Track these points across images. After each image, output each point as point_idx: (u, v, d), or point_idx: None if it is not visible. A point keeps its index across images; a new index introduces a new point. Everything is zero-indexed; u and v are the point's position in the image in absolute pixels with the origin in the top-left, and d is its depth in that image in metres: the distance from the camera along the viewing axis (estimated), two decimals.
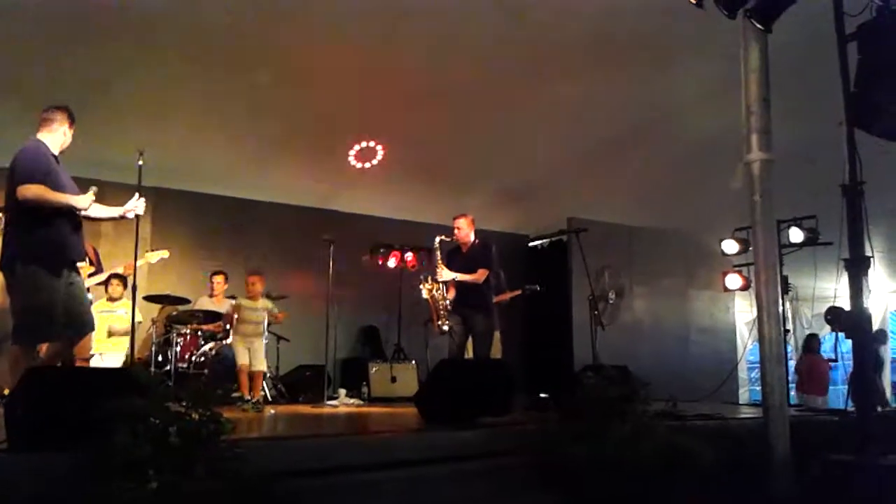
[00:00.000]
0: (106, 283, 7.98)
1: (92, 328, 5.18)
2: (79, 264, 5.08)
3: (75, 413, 3.16)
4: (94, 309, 7.81)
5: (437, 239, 7.63)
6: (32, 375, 3.54)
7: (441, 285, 7.49)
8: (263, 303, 8.14)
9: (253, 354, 7.86)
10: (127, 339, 7.94)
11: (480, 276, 7.49)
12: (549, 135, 9.13)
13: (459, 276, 7.43)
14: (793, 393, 10.52)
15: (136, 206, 5.29)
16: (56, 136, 5.06)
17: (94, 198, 5.00)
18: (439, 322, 7.47)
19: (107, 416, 2.97)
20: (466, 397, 5.12)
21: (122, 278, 8.08)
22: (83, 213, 4.99)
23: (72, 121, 5.14)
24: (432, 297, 7.51)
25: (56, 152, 5.04)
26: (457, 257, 7.65)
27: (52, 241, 4.80)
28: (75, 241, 4.97)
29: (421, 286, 7.67)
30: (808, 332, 12.60)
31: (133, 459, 2.89)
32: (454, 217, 7.75)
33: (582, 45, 7.42)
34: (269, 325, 8.24)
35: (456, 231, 7.66)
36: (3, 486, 2.99)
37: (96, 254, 7.88)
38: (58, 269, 4.79)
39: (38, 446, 3.20)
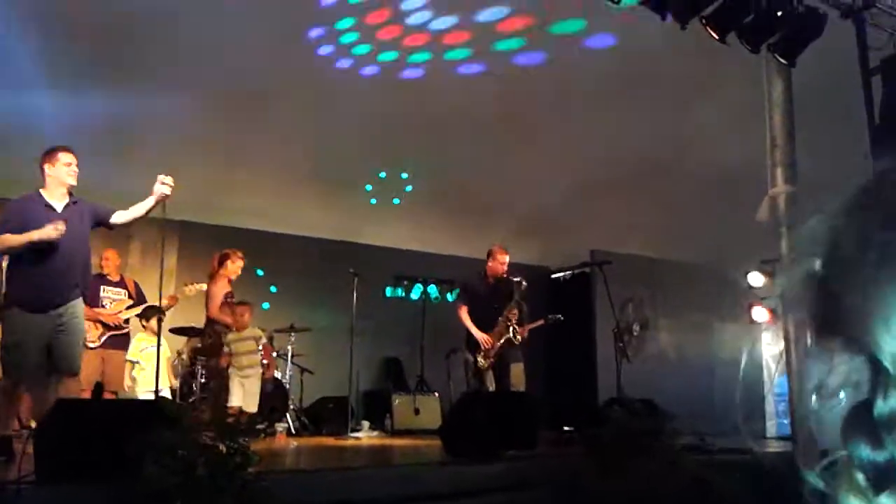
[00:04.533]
0: (147, 316, 7.91)
1: (73, 371, 5.08)
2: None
3: (103, 445, 3.18)
4: (136, 344, 7.90)
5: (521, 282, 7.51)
6: (61, 407, 3.57)
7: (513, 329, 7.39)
8: (252, 331, 8.00)
9: (247, 393, 7.63)
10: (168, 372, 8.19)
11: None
12: (571, 166, 9.14)
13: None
14: None
15: (164, 186, 5.28)
16: (48, 182, 5.16)
17: (59, 228, 4.90)
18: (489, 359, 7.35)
19: (135, 449, 2.98)
20: (491, 430, 5.08)
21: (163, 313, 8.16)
22: (114, 223, 5.25)
23: (45, 160, 5.14)
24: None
25: (50, 198, 5.12)
26: (484, 290, 7.55)
27: (27, 284, 4.94)
28: (53, 284, 4.98)
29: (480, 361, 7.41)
30: None
31: (161, 491, 2.90)
32: (503, 250, 7.57)
33: (605, 77, 7.46)
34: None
35: (501, 265, 7.51)
36: None
37: (136, 287, 7.87)
38: (37, 312, 4.89)
39: (65, 478, 3.21)
